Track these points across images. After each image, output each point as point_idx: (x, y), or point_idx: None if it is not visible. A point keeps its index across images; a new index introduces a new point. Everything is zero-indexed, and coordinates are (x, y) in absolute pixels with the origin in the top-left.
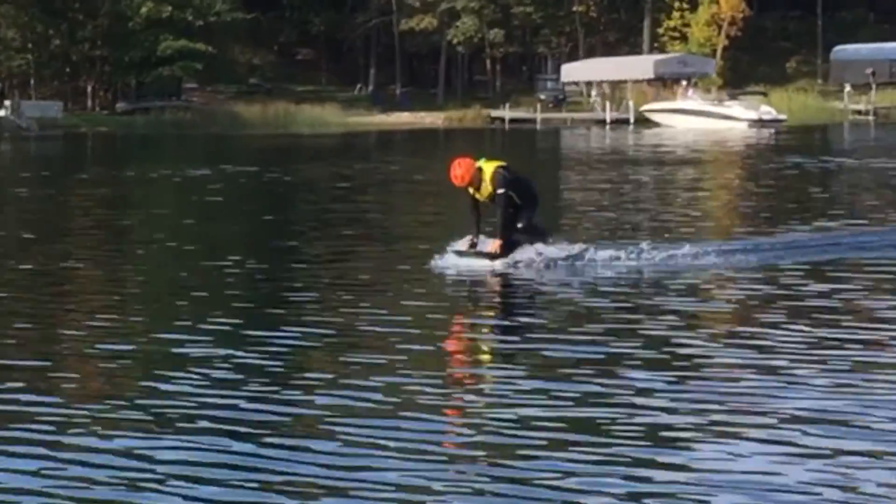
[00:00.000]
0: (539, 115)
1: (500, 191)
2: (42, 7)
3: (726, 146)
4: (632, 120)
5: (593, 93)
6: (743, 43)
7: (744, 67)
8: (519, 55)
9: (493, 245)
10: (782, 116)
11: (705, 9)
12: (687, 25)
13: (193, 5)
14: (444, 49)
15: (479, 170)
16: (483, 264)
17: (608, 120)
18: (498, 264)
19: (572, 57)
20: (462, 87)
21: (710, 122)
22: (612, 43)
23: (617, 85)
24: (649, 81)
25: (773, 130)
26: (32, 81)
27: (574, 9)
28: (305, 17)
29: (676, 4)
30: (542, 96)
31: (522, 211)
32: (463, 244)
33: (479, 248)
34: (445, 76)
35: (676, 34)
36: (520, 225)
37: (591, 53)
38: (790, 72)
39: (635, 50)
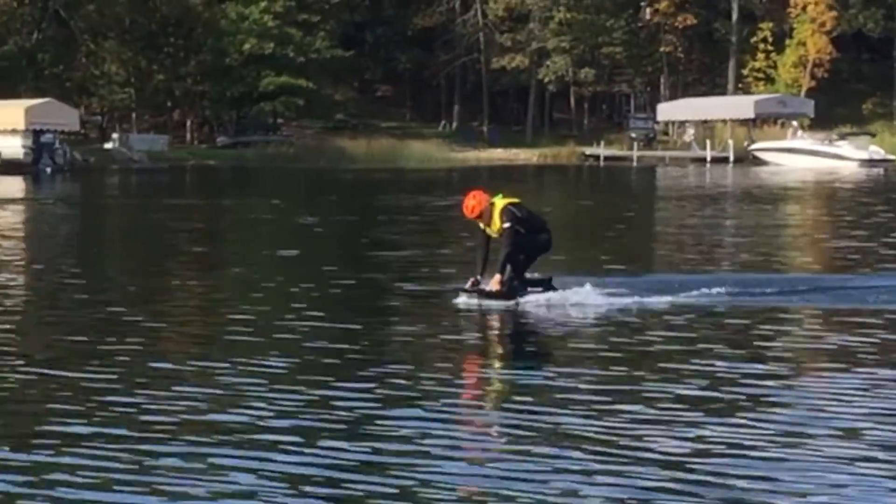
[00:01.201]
0: (635, 153)
1: (507, 224)
2: (145, 43)
3: (837, 185)
4: (731, 158)
5: (690, 131)
6: (821, 84)
7: (821, 108)
8: (599, 93)
9: (493, 282)
10: (892, 157)
11: (793, 50)
12: (772, 67)
13: (294, 42)
14: (534, 87)
15: (492, 205)
16: (495, 304)
17: (708, 158)
18: (505, 303)
19: (653, 96)
20: (546, 125)
21: (820, 161)
22: (691, 83)
23: (706, 124)
24: (747, 121)
25: (882, 170)
26: (134, 115)
27: (661, 49)
28: (391, 54)
29: (761, 46)
30: (633, 134)
31: (524, 250)
32: (468, 283)
33: (481, 287)
34: (541, 113)
35: (761, 75)
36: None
37: (671, 92)
38: (866, 113)
39: (715, 90)
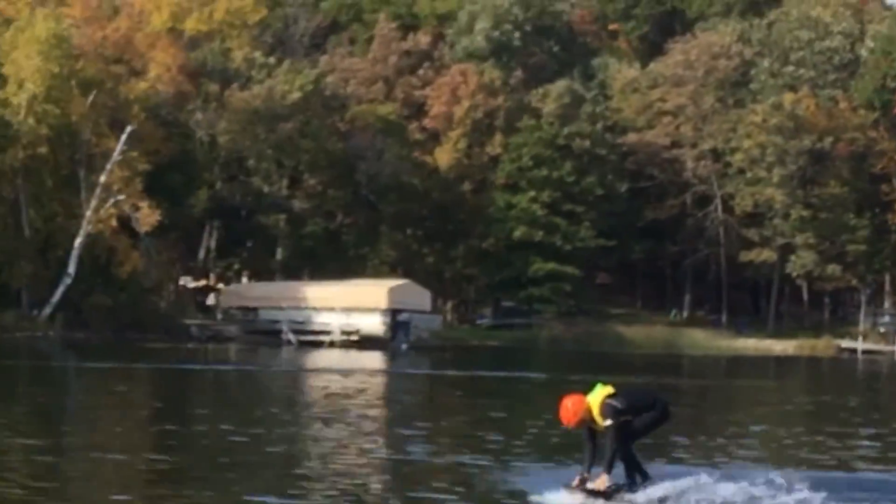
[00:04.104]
0: None
1: (608, 423)
2: (416, 227)
3: None
4: None
5: None
6: None
7: None
8: (841, 289)
9: (599, 481)
10: None
11: None
12: None
13: (562, 230)
14: (777, 280)
15: (588, 407)
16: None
17: None
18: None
19: (878, 292)
20: (775, 317)
21: None
22: None
23: None
24: None
25: None
26: None
27: None
28: (626, 244)
29: None
30: (882, 329)
31: (636, 434)
32: (575, 481)
33: (588, 486)
34: (755, 304)
35: None
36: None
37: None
38: None
39: None
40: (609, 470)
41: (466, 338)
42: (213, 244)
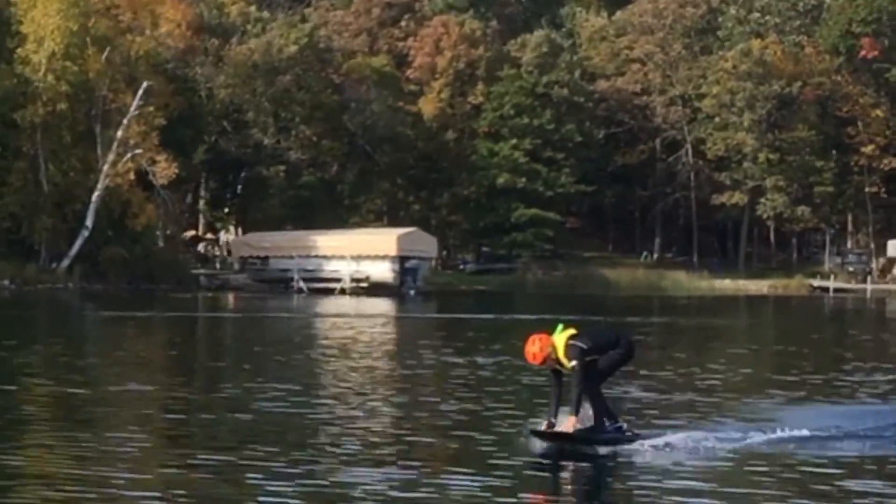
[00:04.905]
0: (869, 286)
1: (574, 363)
2: (401, 176)
3: None
4: None
5: None
6: None
7: None
8: (807, 230)
9: (567, 423)
10: None
11: None
12: None
13: (542, 177)
14: (746, 222)
15: (553, 346)
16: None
17: None
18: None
19: (840, 232)
20: (744, 257)
21: None
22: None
23: None
24: None
25: None
26: None
27: (866, 189)
28: (598, 190)
29: None
30: (851, 269)
31: (602, 374)
32: (542, 424)
33: (556, 429)
34: (722, 246)
35: None
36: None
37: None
38: None
39: None
40: (576, 412)
41: (454, 283)
42: (203, 194)
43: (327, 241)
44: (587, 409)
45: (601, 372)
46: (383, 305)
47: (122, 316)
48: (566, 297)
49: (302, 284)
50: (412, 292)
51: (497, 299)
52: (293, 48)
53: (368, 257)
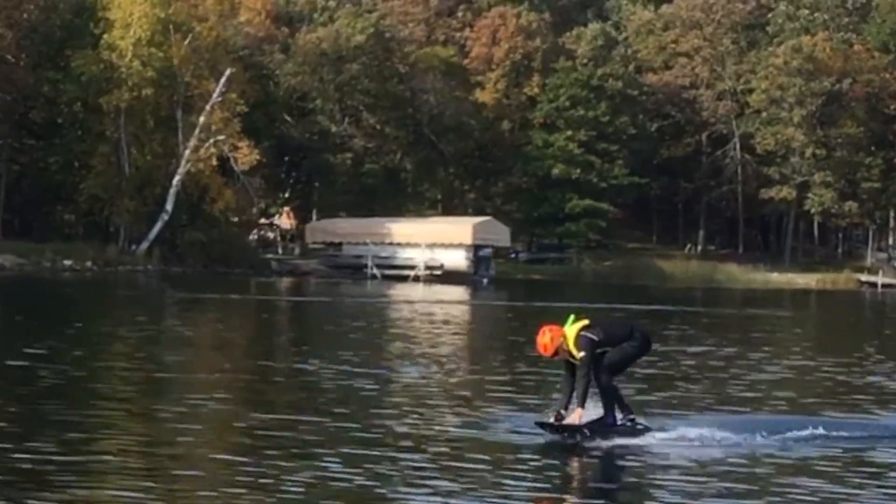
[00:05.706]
0: None
1: (581, 354)
2: (457, 165)
3: None
4: None
5: None
6: None
7: None
8: (855, 225)
9: (574, 416)
10: None
11: None
12: None
13: (596, 169)
14: (793, 217)
15: (564, 337)
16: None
17: None
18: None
19: (882, 228)
20: (790, 251)
21: None
22: None
23: None
24: None
25: None
26: None
27: None
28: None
29: None
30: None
31: (617, 367)
32: (550, 417)
33: (564, 422)
34: (765, 240)
35: None
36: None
37: None
38: None
39: None
40: (582, 404)
41: (509, 272)
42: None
43: (402, 229)
44: (595, 401)
45: (615, 364)
46: (457, 292)
47: (217, 299)
48: (628, 287)
49: (375, 271)
50: (485, 281)
51: (562, 289)
52: (360, 37)
53: (443, 245)
